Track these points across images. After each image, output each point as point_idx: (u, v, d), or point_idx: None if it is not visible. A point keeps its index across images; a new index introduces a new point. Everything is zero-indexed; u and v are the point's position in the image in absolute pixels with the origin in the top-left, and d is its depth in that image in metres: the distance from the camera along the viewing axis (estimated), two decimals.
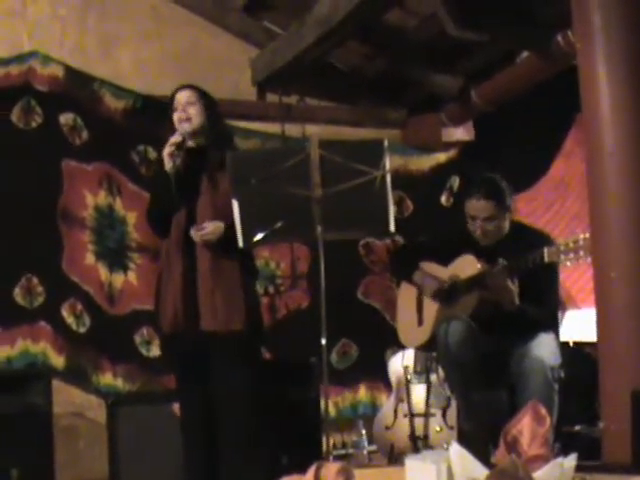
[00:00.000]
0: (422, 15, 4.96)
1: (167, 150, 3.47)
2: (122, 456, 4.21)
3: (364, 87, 5.80)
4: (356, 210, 3.30)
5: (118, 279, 5.12)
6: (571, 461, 2.22)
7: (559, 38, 4.64)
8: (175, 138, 3.48)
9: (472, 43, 4.87)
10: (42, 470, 4.11)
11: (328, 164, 3.27)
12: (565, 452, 2.28)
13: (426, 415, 4.43)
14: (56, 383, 4.52)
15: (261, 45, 5.61)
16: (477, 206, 3.78)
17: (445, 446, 3.90)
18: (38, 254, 4.92)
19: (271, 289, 5.51)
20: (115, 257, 5.14)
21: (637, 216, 3.38)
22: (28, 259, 4.89)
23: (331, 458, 3.48)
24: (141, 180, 5.16)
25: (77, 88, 5.12)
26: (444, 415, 4.42)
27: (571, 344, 4.51)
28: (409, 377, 4.57)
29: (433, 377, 4.48)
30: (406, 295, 4.14)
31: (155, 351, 5.09)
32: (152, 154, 5.13)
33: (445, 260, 3.92)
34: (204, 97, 3.60)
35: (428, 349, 4.12)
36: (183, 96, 3.57)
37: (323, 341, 3.27)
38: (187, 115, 3.54)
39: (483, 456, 2.31)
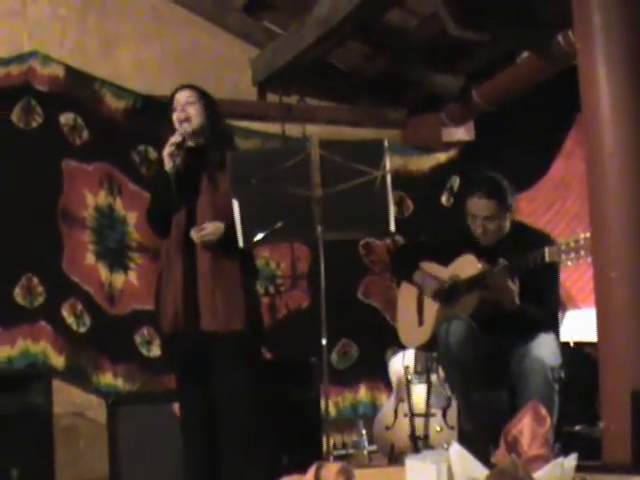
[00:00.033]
0: (422, 15, 4.97)
1: (167, 150, 3.47)
2: (122, 456, 4.21)
3: (364, 87, 5.80)
4: (356, 210, 3.30)
5: (118, 279, 5.13)
6: (571, 461, 2.22)
7: (559, 38, 4.64)
8: (175, 138, 3.48)
9: (473, 43, 4.87)
10: (42, 470, 4.11)
11: (328, 164, 3.27)
12: (565, 452, 2.28)
13: (426, 415, 4.43)
14: (56, 383, 4.53)
15: (261, 45, 5.61)
16: (478, 205, 3.77)
17: (445, 446, 3.90)
18: (38, 254, 4.92)
19: (271, 289, 5.51)
20: (115, 257, 5.14)
21: (637, 216, 3.38)
22: (28, 259, 4.90)
23: (331, 458, 3.48)
24: (141, 180, 5.16)
25: (77, 88, 5.12)
26: (444, 415, 4.42)
27: (571, 344, 4.51)
28: (409, 377, 4.57)
29: (433, 377, 4.48)
30: (406, 295, 4.14)
31: (155, 351, 5.09)
32: (152, 154, 5.13)
33: (445, 260, 3.92)
34: (204, 97, 3.60)
35: (428, 349, 4.12)
36: (183, 96, 3.57)
37: (323, 341, 3.27)
38: (186, 115, 3.53)
39: (483, 456, 2.31)
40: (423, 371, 4.54)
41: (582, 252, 3.38)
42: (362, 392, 5.62)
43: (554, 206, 5.95)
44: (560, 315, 3.97)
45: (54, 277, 4.96)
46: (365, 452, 4.95)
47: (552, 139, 5.73)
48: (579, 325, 4.86)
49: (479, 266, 3.72)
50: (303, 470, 2.26)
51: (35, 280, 4.91)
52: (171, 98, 3.60)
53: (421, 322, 4.01)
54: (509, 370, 3.65)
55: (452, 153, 5.91)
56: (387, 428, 4.59)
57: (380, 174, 3.26)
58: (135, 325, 5.10)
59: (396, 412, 4.56)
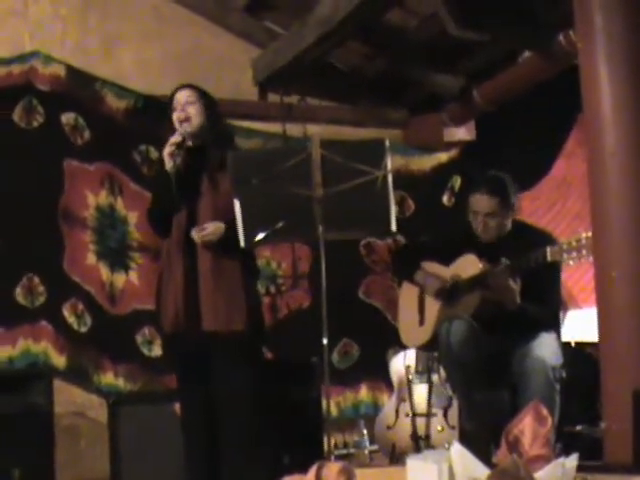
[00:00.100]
0: (422, 15, 4.97)
1: (167, 150, 3.47)
2: (123, 456, 4.21)
3: (365, 87, 5.80)
4: (357, 210, 3.30)
5: (119, 279, 5.13)
6: (572, 461, 2.22)
7: (561, 38, 4.63)
8: (175, 138, 3.48)
9: (473, 43, 4.87)
10: (43, 470, 4.11)
11: (329, 164, 3.27)
12: (566, 452, 2.29)
13: (428, 415, 4.42)
14: (57, 383, 4.52)
15: (262, 45, 5.61)
16: (481, 201, 3.78)
17: (447, 446, 3.89)
18: (39, 254, 4.92)
19: (272, 289, 5.51)
20: (116, 257, 5.14)
21: (638, 216, 3.38)
22: (29, 259, 4.90)
23: (332, 458, 3.48)
24: (142, 180, 5.16)
25: (79, 88, 5.12)
26: (446, 415, 4.41)
27: (572, 344, 4.51)
28: (411, 377, 4.57)
29: (435, 377, 4.48)
30: (408, 295, 4.14)
31: (156, 351, 5.09)
32: (154, 154, 5.12)
33: (447, 260, 3.92)
34: (204, 97, 3.59)
35: (430, 349, 4.12)
36: (182, 95, 3.57)
37: (324, 341, 3.27)
38: (186, 115, 3.53)
39: (484, 456, 2.31)
40: (424, 371, 4.54)
41: (584, 251, 3.38)
42: (363, 392, 5.61)
43: (555, 206, 5.96)
44: (561, 315, 3.97)
45: (55, 277, 4.96)
46: (366, 452, 4.95)
47: (553, 139, 5.72)
48: (580, 325, 4.87)
49: (480, 266, 3.72)
50: (304, 470, 2.27)
51: (36, 280, 4.91)
52: (171, 98, 3.60)
53: (422, 322, 4.01)
54: (510, 370, 3.65)
55: (453, 153, 5.91)
56: (388, 428, 4.59)
57: (381, 174, 3.26)
58: (136, 325, 5.10)
59: (397, 412, 4.56)
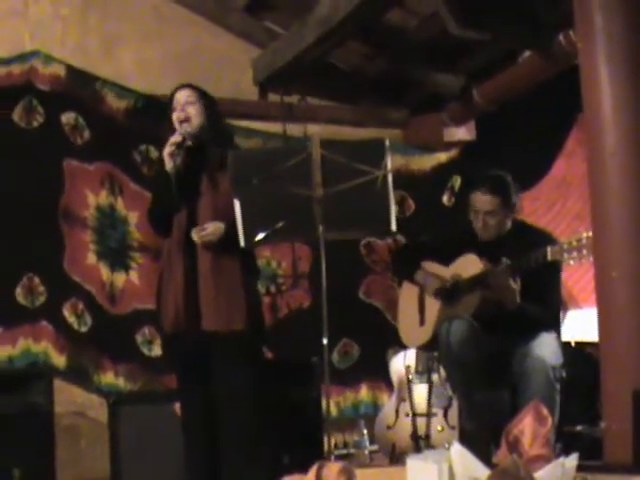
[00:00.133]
0: (423, 15, 4.97)
1: (167, 150, 3.47)
2: (123, 456, 4.21)
3: (365, 87, 5.79)
4: (357, 210, 3.30)
5: (119, 279, 5.13)
6: (572, 461, 2.22)
7: (561, 38, 4.63)
8: (175, 138, 3.48)
9: (474, 42, 4.87)
10: (43, 470, 4.12)
11: (329, 164, 3.27)
12: (566, 452, 2.28)
13: (428, 415, 4.42)
14: (57, 382, 4.52)
15: (262, 45, 5.61)
16: (481, 199, 3.78)
17: (447, 446, 3.89)
18: (39, 254, 4.92)
19: (272, 288, 5.51)
20: (116, 257, 5.15)
21: (638, 216, 3.38)
22: (29, 259, 4.90)
23: (332, 458, 3.48)
24: (143, 180, 5.16)
25: (79, 88, 5.13)
26: (446, 415, 4.41)
27: (573, 344, 4.51)
28: (411, 377, 4.57)
29: (435, 377, 4.48)
30: (408, 295, 4.14)
31: (156, 351, 5.09)
32: (154, 154, 5.12)
33: (447, 260, 3.92)
34: (203, 96, 3.59)
35: (430, 349, 4.12)
36: (182, 95, 3.57)
37: (324, 341, 3.27)
38: (186, 115, 3.53)
39: (485, 456, 2.31)
40: (424, 371, 4.54)
41: (584, 251, 3.38)
42: (363, 392, 5.61)
43: (555, 206, 5.96)
44: (561, 315, 3.97)
45: (55, 277, 4.96)
46: (366, 452, 4.95)
47: (553, 139, 5.72)
48: (580, 325, 4.86)
49: (481, 265, 3.72)
50: (304, 470, 2.27)
51: (36, 280, 4.91)
52: (171, 98, 3.59)
53: (422, 322, 4.01)
54: (510, 370, 3.65)
55: (453, 153, 5.91)
56: (388, 428, 4.59)
57: (381, 174, 3.26)
58: (136, 325, 5.10)
59: (397, 412, 4.56)
